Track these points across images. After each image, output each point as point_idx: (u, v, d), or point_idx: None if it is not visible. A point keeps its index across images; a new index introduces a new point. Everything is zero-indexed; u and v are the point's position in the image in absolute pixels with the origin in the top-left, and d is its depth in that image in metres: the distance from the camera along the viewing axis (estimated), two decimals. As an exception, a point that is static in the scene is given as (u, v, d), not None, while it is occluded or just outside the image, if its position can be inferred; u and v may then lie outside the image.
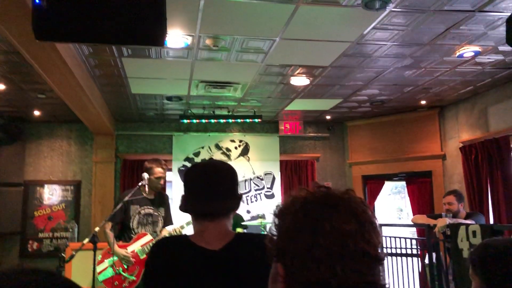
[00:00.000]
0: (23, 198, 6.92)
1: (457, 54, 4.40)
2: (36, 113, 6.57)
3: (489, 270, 1.54)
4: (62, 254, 4.83)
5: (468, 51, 4.31)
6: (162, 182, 4.17)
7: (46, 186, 7.07)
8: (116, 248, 3.87)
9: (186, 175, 1.57)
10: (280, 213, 0.88)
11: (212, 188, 1.48)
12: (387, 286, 0.82)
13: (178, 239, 1.57)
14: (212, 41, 3.94)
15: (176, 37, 3.83)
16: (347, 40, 4.03)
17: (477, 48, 4.27)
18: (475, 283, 1.61)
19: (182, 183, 1.60)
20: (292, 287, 0.81)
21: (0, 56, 4.28)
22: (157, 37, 2.65)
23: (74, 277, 4.58)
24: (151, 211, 4.19)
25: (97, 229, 3.21)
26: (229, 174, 1.53)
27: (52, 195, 7.07)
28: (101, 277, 3.81)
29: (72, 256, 3.20)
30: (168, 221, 4.34)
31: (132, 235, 4.08)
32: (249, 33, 3.83)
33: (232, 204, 1.52)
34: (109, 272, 3.84)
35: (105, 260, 3.92)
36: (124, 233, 4.13)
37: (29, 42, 3.16)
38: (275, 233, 0.87)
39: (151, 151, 7.31)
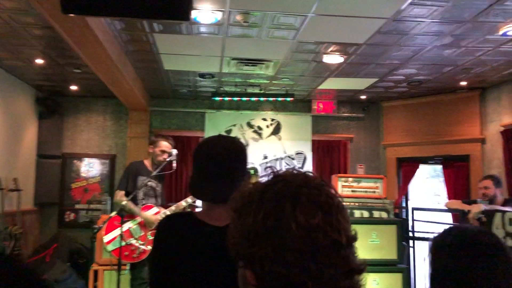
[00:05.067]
0: (61, 170, 7.16)
1: (501, 32, 4.14)
2: (73, 87, 6.72)
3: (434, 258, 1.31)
4: (95, 226, 4.98)
5: (513, 29, 4.07)
6: (165, 156, 4.15)
7: (83, 159, 7.27)
8: (143, 213, 3.96)
9: (195, 154, 1.51)
10: (237, 211, 0.80)
11: (220, 172, 1.43)
12: (361, 266, 0.76)
13: (185, 216, 1.56)
14: (243, 16, 3.87)
15: (206, 12, 3.79)
16: (383, 17, 3.87)
17: (523, 26, 4.02)
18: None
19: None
20: None
21: (36, 31, 4.36)
22: (184, 12, 2.62)
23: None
24: (154, 184, 4.24)
25: (124, 202, 3.24)
26: (237, 153, 1.47)
27: (88, 168, 7.28)
28: (110, 247, 3.85)
29: (99, 228, 3.26)
30: (163, 199, 4.39)
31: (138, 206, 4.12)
32: (280, 9, 3.73)
33: (241, 186, 1.48)
34: (119, 243, 3.84)
35: (113, 231, 3.94)
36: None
37: (61, 16, 3.19)
38: (234, 233, 0.80)
39: (184, 127, 7.36)
